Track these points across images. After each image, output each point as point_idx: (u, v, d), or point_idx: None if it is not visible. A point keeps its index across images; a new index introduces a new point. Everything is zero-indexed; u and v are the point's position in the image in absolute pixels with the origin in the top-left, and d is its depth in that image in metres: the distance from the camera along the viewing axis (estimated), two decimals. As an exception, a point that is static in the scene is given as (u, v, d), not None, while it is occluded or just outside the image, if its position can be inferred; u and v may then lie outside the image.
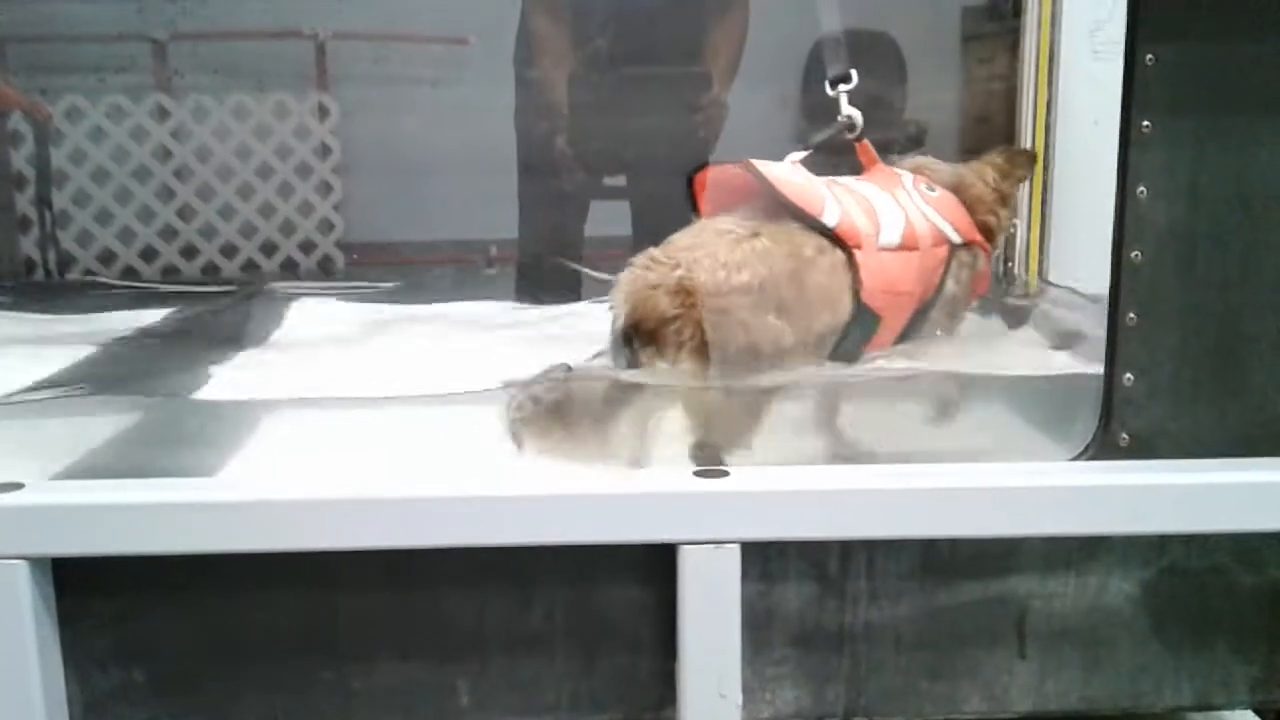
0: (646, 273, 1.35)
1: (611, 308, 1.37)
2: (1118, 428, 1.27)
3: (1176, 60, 1.21)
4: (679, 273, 1.32)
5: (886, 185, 1.52)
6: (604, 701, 1.28)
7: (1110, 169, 1.25)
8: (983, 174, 1.65)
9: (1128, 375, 1.26)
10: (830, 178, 1.49)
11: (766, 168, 1.42)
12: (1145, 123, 1.22)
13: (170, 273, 3.03)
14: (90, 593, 1.21)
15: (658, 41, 2.45)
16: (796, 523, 1.21)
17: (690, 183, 1.50)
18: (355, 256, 3.08)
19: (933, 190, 1.55)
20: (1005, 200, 1.66)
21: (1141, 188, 1.23)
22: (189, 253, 3.05)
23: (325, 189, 3.12)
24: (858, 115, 1.59)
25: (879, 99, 1.74)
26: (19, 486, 1.18)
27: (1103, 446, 1.28)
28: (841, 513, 1.21)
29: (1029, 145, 2.33)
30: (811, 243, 1.39)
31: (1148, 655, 1.30)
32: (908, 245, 1.45)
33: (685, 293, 1.31)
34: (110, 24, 2.91)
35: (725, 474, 1.22)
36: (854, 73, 1.61)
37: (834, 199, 1.42)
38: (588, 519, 1.19)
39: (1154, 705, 1.32)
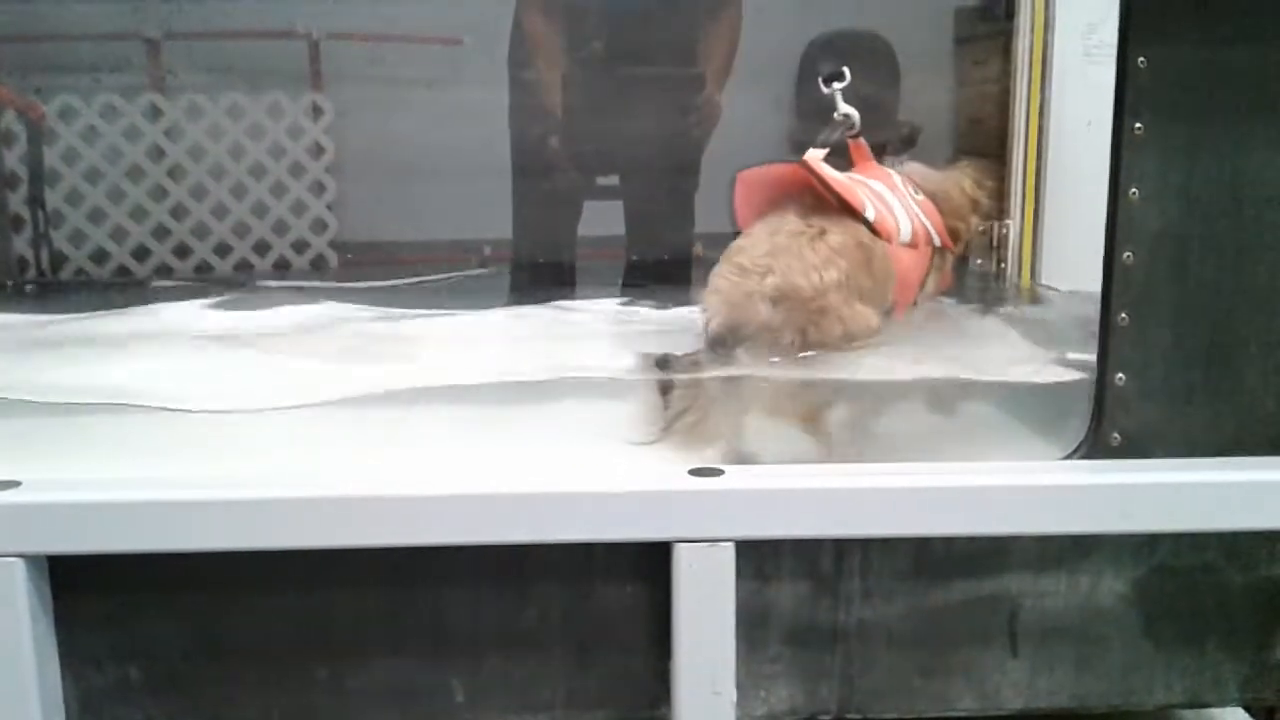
0: (743, 280, 1.38)
1: (704, 312, 1.41)
2: (1109, 427, 1.28)
3: (1169, 63, 1.22)
4: (773, 279, 1.37)
5: (887, 183, 1.56)
6: (599, 699, 1.28)
7: (1103, 171, 1.26)
8: (960, 183, 1.69)
9: (1120, 375, 1.27)
10: (847, 174, 1.53)
11: (819, 165, 1.47)
12: (1137, 125, 1.23)
13: (163, 272, 3.02)
14: (87, 591, 1.21)
15: (651, 42, 2.46)
16: (791, 521, 1.22)
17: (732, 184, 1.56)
18: (351, 256, 3.08)
19: (918, 194, 1.59)
20: (977, 208, 1.71)
21: (1134, 189, 1.24)
22: (182, 252, 3.04)
23: (319, 188, 3.11)
24: (854, 113, 1.61)
25: (872, 100, 1.75)
26: (16, 484, 1.18)
27: (1095, 446, 1.29)
28: (835, 511, 1.21)
29: (1022, 148, 2.34)
30: (864, 234, 1.45)
31: (1139, 653, 1.31)
32: (914, 242, 1.50)
33: (784, 298, 1.36)
34: (104, 23, 2.90)
35: (720, 473, 1.23)
36: (846, 70, 1.63)
37: (866, 196, 1.47)
38: (583, 517, 1.20)
39: (1145, 703, 1.33)
